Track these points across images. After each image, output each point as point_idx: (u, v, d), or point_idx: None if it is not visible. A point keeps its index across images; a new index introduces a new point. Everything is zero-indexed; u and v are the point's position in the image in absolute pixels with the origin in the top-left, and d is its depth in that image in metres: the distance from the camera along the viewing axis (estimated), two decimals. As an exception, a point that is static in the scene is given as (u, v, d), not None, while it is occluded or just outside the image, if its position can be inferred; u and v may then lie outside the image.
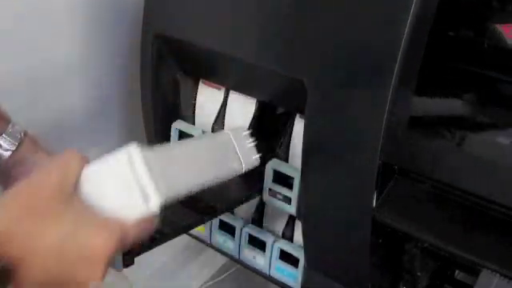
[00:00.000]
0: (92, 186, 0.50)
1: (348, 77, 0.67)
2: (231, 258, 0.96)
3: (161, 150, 0.56)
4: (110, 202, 0.50)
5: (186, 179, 0.59)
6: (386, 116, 0.65)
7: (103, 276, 0.45)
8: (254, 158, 0.73)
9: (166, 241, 0.73)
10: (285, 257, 0.89)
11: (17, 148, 0.63)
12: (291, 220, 0.89)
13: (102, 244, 0.44)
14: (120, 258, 0.67)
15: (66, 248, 0.43)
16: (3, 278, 0.41)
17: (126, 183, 0.50)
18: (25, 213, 0.42)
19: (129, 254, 0.67)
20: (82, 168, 0.49)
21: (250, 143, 0.71)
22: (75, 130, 0.98)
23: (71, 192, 0.47)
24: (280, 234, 0.91)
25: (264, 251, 0.90)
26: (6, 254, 0.41)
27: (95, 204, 0.49)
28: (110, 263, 0.65)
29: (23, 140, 0.63)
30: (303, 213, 0.79)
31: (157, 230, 0.73)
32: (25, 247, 0.41)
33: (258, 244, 0.91)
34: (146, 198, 0.50)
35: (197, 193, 0.83)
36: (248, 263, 0.93)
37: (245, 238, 0.91)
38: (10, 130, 0.63)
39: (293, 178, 0.81)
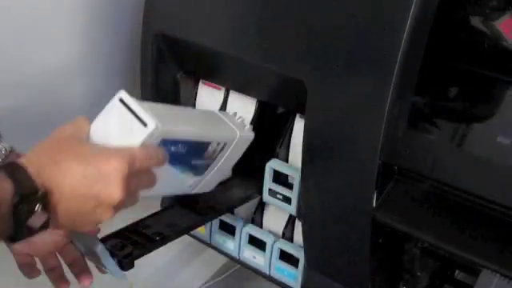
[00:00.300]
0: (99, 135, 0.58)
1: (348, 77, 0.67)
2: (231, 258, 0.96)
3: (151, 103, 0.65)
4: (116, 139, 0.57)
5: (178, 121, 0.66)
6: (386, 116, 0.65)
7: (123, 195, 0.52)
8: (247, 128, 0.80)
9: (166, 243, 0.73)
10: (285, 257, 0.89)
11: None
12: (291, 220, 0.89)
13: (117, 164, 0.52)
14: (118, 268, 0.67)
15: (87, 174, 0.51)
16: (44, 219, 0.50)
17: (124, 119, 0.58)
18: (50, 154, 0.52)
19: (129, 257, 0.67)
20: (89, 124, 0.58)
21: (239, 119, 0.79)
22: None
23: (85, 139, 0.56)
24: (280, 234, 0.91)
25: (264, 251, 0.90)
26: (40, 185, 0.49)
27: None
28: (112, 272, 0.65)
29: (8, 157, 0.63)
30: (303, 213, 0.79)
31: (157, 232, 0.73)
32: (53, 178, 0.50)
33: (258, 244, 0.91)
34: (142, 123, 0.57)
35: (197, 194, 0.84)
36: (248, 263, 0.93)
37: (245, 238, 0.91)
38: None
39: (293, 178, 0.81)
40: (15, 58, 0.84)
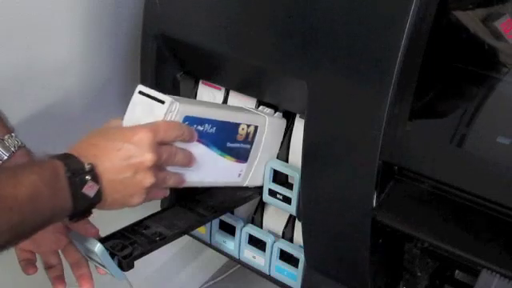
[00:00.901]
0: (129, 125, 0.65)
1: (348, 77, 0.67)
2: (231, 258, 0.96)
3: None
4: (143, 123, 0.64)
5: (199, 103, 0.75)
6: (386, 116, 0.65)
7: (155, 156, 0.61)
8: (277, 114, 0.84)
9: (166, 243, 0.73)
10: (285, 257, 0.89)
11: (7, 159, 0.67)
12: (291, 220, 0.89)
13: (142, 133, 0.61)
14: (118, 268, 0.67)
15: (120, 147, 0.60)
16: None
17: (146, 106, 0.66)
18: (87, 140, 0.62)
19: (129, 258, 0.67)
20: (121, 120, 0.67)
21: (267, 110, 0.85)
22: (75, 131, 0.98)
23: (118, 127, 0.65)
24: (280, 234, 0.91)
25: (264, 251, 0.90)
26: (87, 160, 0.58)
27: None
28: (112, 272, 0.66)
29: (15, 153, 0.68)
30: (303, 213, 0.79)
31: (157, 232, 0.73)
32: (94, 156, 0.59)
33: (258, 244, 0.91)
34: (161, 102, 0.65)
35: (197, 194, 0.83)
36: (248, 263, 0.93)
37: (245, 238, 0.91)
38: (6, 141, 0.66)
39: (293, 178, 0.81)
40: (15, 58, 0.84)
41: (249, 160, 0.81)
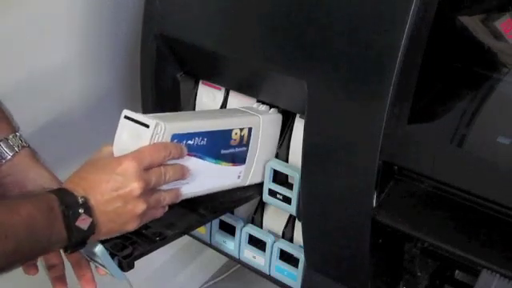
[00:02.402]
0: (119, 151, 0.67)
1: (348, 77, 0.67)
2: (231, 257, 0.96)
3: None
4: (132, 148, 0.66)
5: (185, 118, 0.73)
6: (385, 116, 0.65)
7: (141, 184, 0.63)
8: (272, 111, 0.84)
9: (166, 243, 0.73)
10: (285, 257, 0.89)
11: (10, 159, 0.68)
12: (291, 220, 0.89)
13: (127, 163, 0.63)
14: (118, 268, 0.67)
15: (108, 179, 0.63)
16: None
17: (133, 130, 0.67)
18: (79, 174, 0.64)
19: (129, 258, 0.67)
20: (111, 146, 0.68)
21: (262, 107, 0.84)
22: (75, 131, 0.98)
23: (107, 157, 0.67)
24: (280, 234, 0.91)
25: (264, 251, 0.90)
26: (80, 193, 0.60)
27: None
28: (112, 272, 0.66)
29: (19, 153, 0.69)
30: (303, 213, 0.79)
31: (157, 232, 0.73)
32: (85, 189, 0.61)
33: (258, 244, 0.91)
34: (146, 126, 0.66)
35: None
36: (248, 263, 0.93)
37: (245, 238, 0.91)
38: (10, 140, 0.66)
39: (293, 178, 0.81)
40: (15, 58, 0.84)
41: (247, 161, 0.81)
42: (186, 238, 0.88)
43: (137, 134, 0.67)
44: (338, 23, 0.67)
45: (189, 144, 0.70)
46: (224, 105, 0.89)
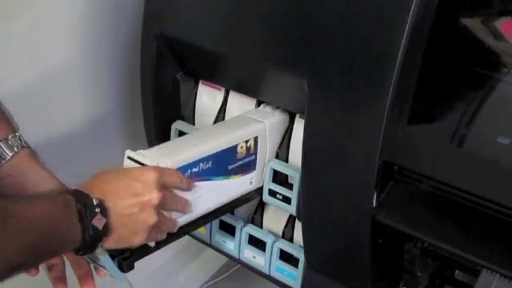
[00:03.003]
0: None
1: (348, 77, 0.67)
2: (231, 257, 0.96)
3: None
4: None
5: (186, 148, 0.73)
6: (385, 116, 0.65)
7: (160, 195, 0.64)
8: (277, 112, 0.83)
9: (166, 244, 0.73)
10: (285, 257, 0.89)
11: (10, 159, 0.68)
12: (291, 220, 0.89)
13: (149, 172, 0.65)
14: (118, 269, 0.67)
15: (129, 184, 0.63)
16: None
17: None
18: (97, 178, 0.64)
19: (129, 259, 0.67)
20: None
21: (267, 108, 0.84)
22: (75, 131, 0.98)
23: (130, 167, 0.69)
24: (280, 234, 0.91)
25: (264, 251, 0.90)
26: (96, 195, 0.61)
27: None
28: (112, 274, 0.66)
29: (18, 153, 0.68)
30: (303, 213, 0.79)
31: None
32: (103, 192, 0.62)
33: (258, 244, 0.91)
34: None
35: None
36: (248, 263, 0.93)
37: (245, 238, 0.91)
38: (9, 140, 0.66)
39: (293, 178, 0.81)
40: (15, 58, 0.84)
41: (257, 166, 0.82)
42: (186, 238, 0.88)
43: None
44: (338, 23, 0.67)
45: (194, 171, 0.72)
46: (224, 105, 0.89)
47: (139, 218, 0.64)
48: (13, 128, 0.70)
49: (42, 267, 0.72)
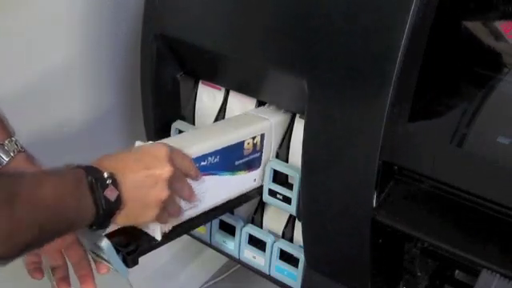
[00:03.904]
0: None
1: (348, 77, 0.67)
2: (231, 257, 0.96)
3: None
4: None
5: (194, 143, 0.73)
6: (386, 116, 0.65)
7: (172, 169, 0.63)
8: (281, 111, 0.84)
9: (171, 239, 0.73)
10: (285, 257, 0.89)
11: (6, 164, 0.67)
12: (291, 220, 0.89)
13: (161, 147, 0.64)
14: (123, 264, 0.67)
15: (140, 158, 0.63)
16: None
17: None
18: (107, 155, 0.63)
19: (134, 254, 0.68)
20: None
21: (270, 107, 0.85)
22: (75, 131, 0.98)
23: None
24: (280, 234, 0.91)
25: (264, 251, 0.90)
26: (107, 170, 0.59)
27: None
28: (116, 268, 0.66)
29: (15, 158, 0.68)
30: (303, 213, 0.79)
31: None
32: (114, 166, 0.60)
33: (258, 244, 0.91)
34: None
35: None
36: (248, 263, 0.93)
37: (245, 238, 0.91)
38: (5, 145, 0.66)
39: (293, 178, 0.81)
40: (15, 58, 0.84)
41: (262, 163, 0.83)
42: (186, 238, 0.88)
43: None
44: (338, 23, 0.67)
45: (202, 165, 0.72)
46: (224, 105, 0.89)
47: (151, 192, 0.62)
48: (9, 133, 0.69)
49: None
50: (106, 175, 0.59)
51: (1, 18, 0.80)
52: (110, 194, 0.59)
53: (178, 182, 0.66)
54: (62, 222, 0.56)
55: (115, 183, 0.59)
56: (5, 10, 0.80)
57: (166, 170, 0.63)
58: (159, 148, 0.64)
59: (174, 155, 0.65)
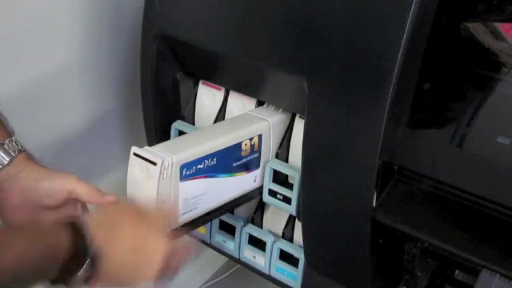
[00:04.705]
0: (133, 189, 0.71)
1: (348, 77, 0.67)
2: (231, 257, 0.96)
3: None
4: (144, 185, 0.69)
5: (190, 145, 0.73)
6: (385, 116, 0.65)
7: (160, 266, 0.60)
8: (280, 111, 0.83)
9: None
10: (285, 257, 0.89)
11: (7, 164, 0.67)
12: (291, 220, 0.89)
13: (161, 247, 0.60)
14: None
15: (137, 247, 0.59)
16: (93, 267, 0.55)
17: (142, 167, 0.69)
18: (109, 221, 0.60)
19: None
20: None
21: (271, 107, 0.84)
22: (76, 131, 0.98)
23: (140, 209, 0.64)
24: (280, 234, 0.91)
25: (264, 251, 0.90)
26: (95, 241, 0.55)
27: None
28: None
29: (16, 157, 0.67)
30: (303, 213, 0.79)
31: None
32: (106, 239, 0.56)
33: (258, 244, 0.91)
34: (153, 164, 0.68)
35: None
36: (248, 263, 0.93)
37: (245, 238, 0.91)
38: (6, 145, 0.66)
39: (293, 178, 0.81)
40: (16, 58, 0.84)
41: (261, 164, 0.82)
42: (185, 238, 0.88)
43: (146, 170, 0.69)
44: (337, 23, 0.67)
45: (199, 168, 0.72)
46: (224, 105, 0.89)
47: (134, 275, 0.59)
48: (8, 132, 0.69)
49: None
50: (89, 255, 0.54)
51: (1, 18, 0.80)
52: (83, 274, 0.55)
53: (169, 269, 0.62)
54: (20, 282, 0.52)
55: (95, 262, 0.55)
56: (5, 11, 0.80)
57: (155, 269, 0.60)
58: (158, 250, 0.60)
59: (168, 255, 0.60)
